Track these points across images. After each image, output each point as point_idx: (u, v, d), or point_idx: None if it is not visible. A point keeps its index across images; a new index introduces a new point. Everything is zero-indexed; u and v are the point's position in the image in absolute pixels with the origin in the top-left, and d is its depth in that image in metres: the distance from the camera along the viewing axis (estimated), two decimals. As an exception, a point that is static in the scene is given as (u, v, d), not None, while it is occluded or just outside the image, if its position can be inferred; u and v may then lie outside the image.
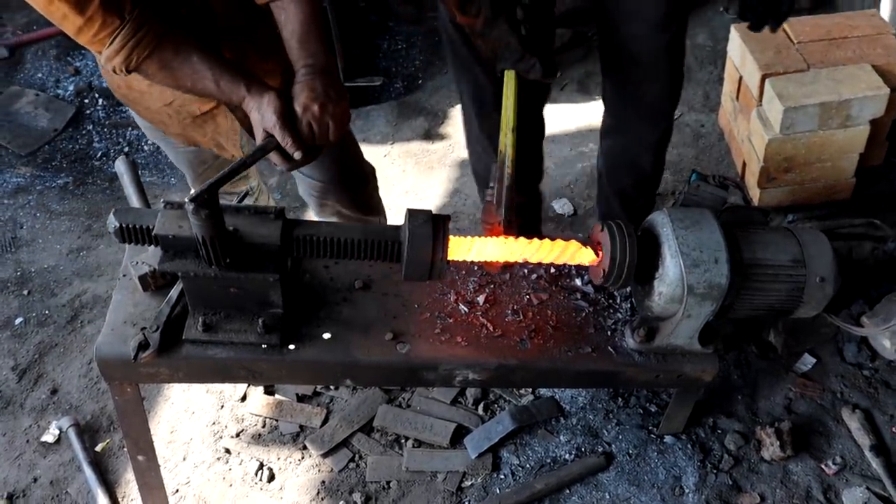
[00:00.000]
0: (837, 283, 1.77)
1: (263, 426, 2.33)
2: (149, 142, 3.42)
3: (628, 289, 1.91)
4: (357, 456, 2.25)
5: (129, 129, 3.53)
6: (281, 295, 1.66)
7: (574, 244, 1.68)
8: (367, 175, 2.29)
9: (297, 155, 1.58)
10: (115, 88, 1.92)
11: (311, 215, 2.41)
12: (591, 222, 2.94)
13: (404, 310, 1.84)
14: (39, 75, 3.75)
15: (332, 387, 2.39)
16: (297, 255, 1.61)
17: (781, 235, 1.79)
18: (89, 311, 2.72)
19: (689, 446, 2.20)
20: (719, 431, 2.24)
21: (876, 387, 2.32)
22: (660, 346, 1.81)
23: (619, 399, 2.32)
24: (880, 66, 2.72)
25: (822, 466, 2.16)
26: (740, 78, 2.94)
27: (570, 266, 1.94)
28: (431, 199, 3.14)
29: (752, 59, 2.80)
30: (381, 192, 2.38)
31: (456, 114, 3.49)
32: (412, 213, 1.57)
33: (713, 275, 1.64)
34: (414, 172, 3.28)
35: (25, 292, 2.81)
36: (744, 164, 2.97)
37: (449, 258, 1.58)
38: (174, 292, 1.71)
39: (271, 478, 2.21)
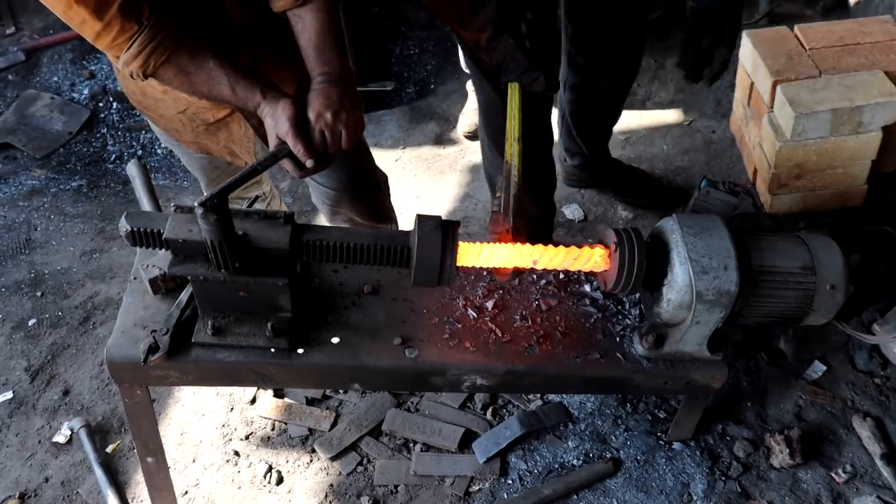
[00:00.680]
0: (848, 290, 1.77)
1: (272, 429, 2.34)
2: (162, 145, 3.45)
3: (637, 295, 1.91)
4: (365, 459, 2.26)
5: (143, 132, 3.56)
6: (290, 299, 1.66)
7: (584, 250, 1.68)
8: (380, 183, 2.29)
9: (308, 163, 1.59)
10: (130, 95, 1.93)
11: (324, 222, 2.42)
12: (601, 228, 2.94)
13: (413, 314, 1.85)
14: (55, 79, 3.79)
15: (340, 390, 2.40)
16: (307, 259, 1.62)
17: (792, 242, 1.78)
18: (102, 313, 2.74)
19: (697, 453, 2.20)
20: (728, 438, 2.23)
21: (887, 395, 2.31)
22: (668, 353, 1.81)
23: (628, 405, 2.32)
24: (893, 72, 2.70)
25: (832, 474, 2.15)
26: (752, 84, 2.93)
27: (579, 272, 1.94)
28: (442, 203, 3.14)
29: (763, 65, 2.79)
30: (392, 197, 2.39)
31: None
32: (421, 219, 1.57)
33: (722, 281, 1.64)
34: (425, 177, 3.29)
35: (39, 294, 2.84)
36: (755, 171, 2.96)
37: (458, 264, 1.59)
38: (184, 296, 1.72)
39: (280, 480, 2.22)
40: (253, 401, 2.41)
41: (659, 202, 2.94)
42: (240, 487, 2.21)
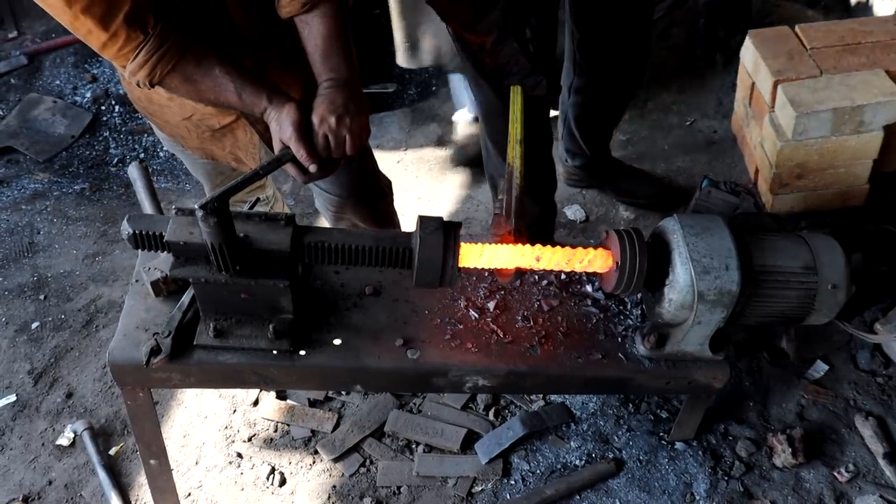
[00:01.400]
0: (850, 290, 1.77)
1: (275, 431, 2.34)
2: (164, 148, 3.45)
3: (639, 295, 1.91)
4: (368, 461, 2.26)
5: (145, 135, 3.57)
6: (291, 301, 1.67)
7: (586, 251, 1.68)
8: (384, 188, 2.29)
9: (311, 167, 1.58)
10: (135, 101, 1.94)
11: (327, 226, 2.42)
12: (603, 228, 2.94)
13: (415, 316, 1.85)
14: (57, 82, 3.80)
15: (343, 392, 2.40)
16: (308, 261, 1.62)
17: (793, 242, 1.78)
18: (104, 316, 2.75)
19: (700, 453, 2.20)
20: (731, 438, 2.23)
21: (889, 394, 2.31)
22: (670, 353, 1.81)
23: (630, 405, 2.32)
24: (894, 71, 2.70)
25: (835, 474, 2.15)
26: (753, 84, 2.93)
27: (581, 272, 1.94)
28: (444, 204, 3.15)
29: (764, 65, 2.79)
30: (395, 199, 2.39)
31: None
32: (423, 220, 1.58)
33: (724, 281, 1.64)
34: (427, 178, 3.29)
35: (42, 297, 2.84)
36: (756, 170, 2.96)
37: (460, 265, 1.59)
38: (186, 298, 1.73)
39: (283, 482, 2.22)
40: (256, 403, 2.41)
41: (660, 203, 2.94)
42: (243, 489, 2.22)
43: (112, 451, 2.33)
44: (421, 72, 3.83)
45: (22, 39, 3.99)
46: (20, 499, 2.24)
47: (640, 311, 1.91)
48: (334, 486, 2.21)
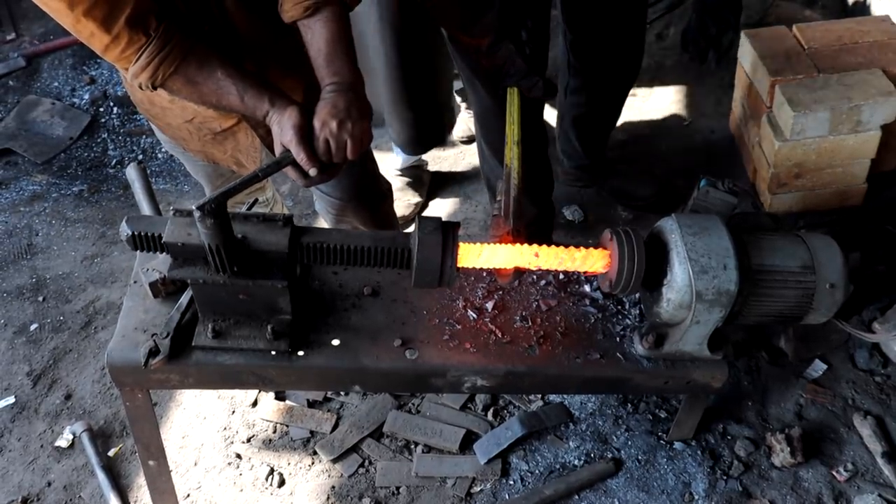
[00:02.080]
0: (848, 289, 1.77)
1: (274, 431, 2.34)
2: (163, 150, 3.45)
3: (637, 295, 1.91)
4: (367, 461, 2.26)
5: (144, 136, 3.57)
6: (290, 301, 1.67)
7: (584, 251, 1.68)
8: (384, 191, 2.30)
9: (311, 171, 1.57)
10: (137, 103, 1.94)
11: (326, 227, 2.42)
12: (601, 229, 2.93)
13: (413, 316, 1.85)
14: (55, 84, 3.80)
15: (342, 392, 2.40)
16: (307, 262, 1.62)
17: (791, 241, 1.78)
18: (103, 318, 2.75)
19: (698, 452, 2.20)
20: (729, 437, 2.23)
21: (888, 393, 2.31)
22: (669, 353, 1.81)
23: (629, 405, 2.32)
24: (892, 71, 2.71)
25: (834, 473, 2.15)
26: (751, 84, 2.94)
27: (579, 272, 1.94)
28: (442, 205, 3.15)
29: (762, 64, 2.80)
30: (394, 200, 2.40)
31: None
32: (422, 220, 1.58)
33: (722, 281, 1.64)
34: (425, 179, 3.29)
35: (40, 298, 2.84)
36: (754, 170, 2.97)
37: (459, 265, 1.59)
38: (184, 299, 1.73)
39: (282, 483, 2.22)
40: (254, 403, 2.41)
41: (659, 205, 2.94)
42: (242, 490, 2.22)
43: (111, 453, 2.33)
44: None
45: (20, 41, 3.99)
46: (19, 500, 2.24)
47: (638, 311, 1.91)
48: (333, 487, 2.21)
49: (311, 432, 2.33)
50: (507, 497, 2.16)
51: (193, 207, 1.45)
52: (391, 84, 2.67)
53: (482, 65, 2.06)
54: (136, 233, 1.56)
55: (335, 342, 1.76)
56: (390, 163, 3.14)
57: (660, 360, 1.83)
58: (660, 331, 1.80)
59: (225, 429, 2.36)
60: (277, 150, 1.60)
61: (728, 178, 2.04)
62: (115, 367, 1.70)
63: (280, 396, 2.42)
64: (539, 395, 2.35)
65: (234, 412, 2.40)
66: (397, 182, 3.07)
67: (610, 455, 2.22)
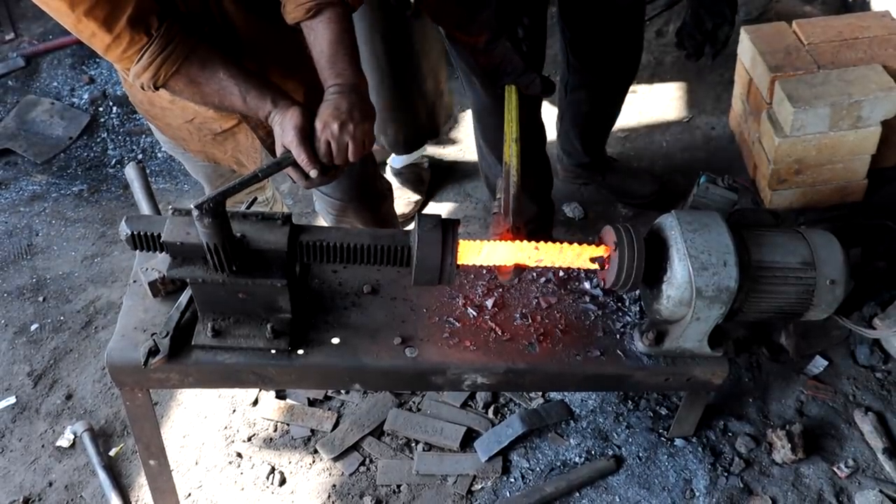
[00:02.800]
0: (848, 285, 1.77)
1: (275, 430, 2.34)
2: (162, 149, 3.45)
3: (637, 292, 1.91)
4: (368, 459, 2.26)
5: (143, 136, 3.57)
6: (289, 300, 1.67)
7: (584, 248, 1.68)
8: (384, 191, 2.29)
9: (312, 172, 1.56)
10: (137, 104, 1.94)
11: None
12: (601, 226, 2.93)
13: (413, 314, 1.85)
14: (55, 84, 3.80)
15: (342, 391, 2.40)
16: (306, 260, 1.62)
17: (791, 238, 1.78)
18: (103, 317, 2.75)
19: (699, 449, 2.20)
20: (730, 434, 2.23)
21: (889, 389, 2.31)
22: (669, 350, 1.81)
23: (629, 402, 2.32)
24: (892, 66, 2.70)
25: (835, 469, 2.15)
26: (750, 80, 2.94)
27: (579, 269, 1.94)
28: (442, 203, 3.15)
29: (762, 60, 2.79)
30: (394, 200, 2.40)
31: (466, 118, 3.49)
32: (422, 218, 1.57)
33: (722, 278, 1.64)
34: (424, 177, 3.28)
35: (41, 299, 2.84)
36: (754, 166, 2.96)
37: (459, 262, 1.59)
38: (183, 298, 1.72)
39: (282, 481, 2.22)
40: (255, 402, 2.41)
41: (659, 202, 2.93)
42: (243, 489, 2.22)
43: (112, 452, 2.33)
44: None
45: (19, 41, 3.99)
46: (21, 500, 2.24)
47: (638, 308, 1.91)
48: (334, 485, 2.21)
49: (312, 431, 2.33)
50: (507, 495, 2.16)
51: (192, 206, 1.45)
52: (380, 91, 2.71)
53: (479, 62, 2.06)
54: (135, 232, 1.56)
55: (335, 340, 1.76)
56: (389, 161, 3.14)
57: (660, 357, 1.82)
58: (660, 328, 1.80)
59: (226, 428, 2.36)
60: (279, 150, 1.59)
61: (728, 174, 2.04)
62: (114, 367, 1.70)
63: (281, 395, 2.42)
64: (539, 393, 2.35)
65: (234, 411, 2.40)
66: (396, 180, 3.07)
67: (611, 452, 2.21)
